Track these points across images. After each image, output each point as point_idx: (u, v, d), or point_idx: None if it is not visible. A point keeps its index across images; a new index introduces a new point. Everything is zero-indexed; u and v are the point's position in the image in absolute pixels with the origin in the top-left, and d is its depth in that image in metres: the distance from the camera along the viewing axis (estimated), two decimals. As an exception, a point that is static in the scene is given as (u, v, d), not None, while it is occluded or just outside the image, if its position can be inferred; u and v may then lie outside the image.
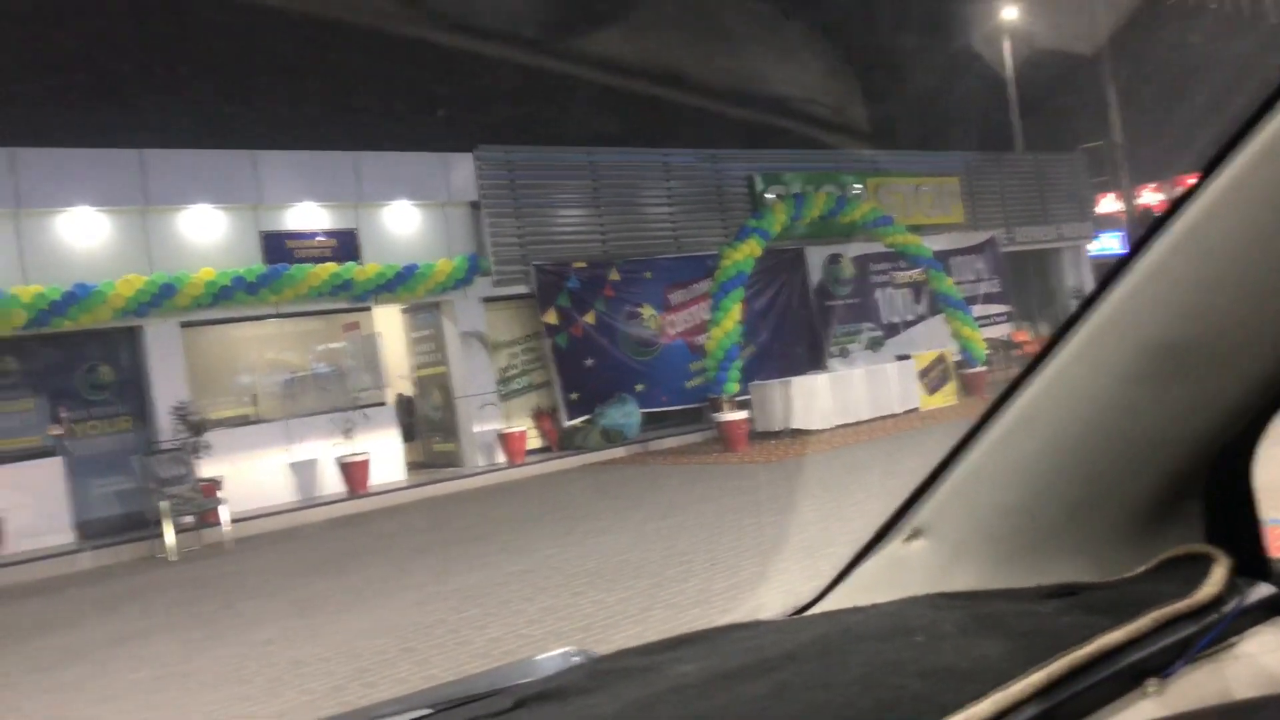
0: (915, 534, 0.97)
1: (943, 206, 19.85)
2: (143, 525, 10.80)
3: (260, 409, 13.18)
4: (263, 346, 13.51)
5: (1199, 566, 0.80)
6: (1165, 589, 0.78)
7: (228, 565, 9.46)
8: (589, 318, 15.05)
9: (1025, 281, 21.96)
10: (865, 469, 9.69)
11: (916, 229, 17.36)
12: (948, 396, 15.57)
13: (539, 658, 1.10)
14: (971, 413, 0.94)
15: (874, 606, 0.90)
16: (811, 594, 1.05)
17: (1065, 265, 22.94)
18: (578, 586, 6.33)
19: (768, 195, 16.90)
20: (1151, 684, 0.71)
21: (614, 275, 15.41)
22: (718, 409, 13.69)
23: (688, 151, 16.80)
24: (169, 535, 10.13)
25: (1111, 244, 24.46)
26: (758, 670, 0.76)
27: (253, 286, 12.28)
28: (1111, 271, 0.79)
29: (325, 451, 12.67)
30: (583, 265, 15.12)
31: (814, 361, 16.60)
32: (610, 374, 15.02)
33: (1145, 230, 0.76)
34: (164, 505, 10.24)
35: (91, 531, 11.25)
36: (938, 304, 17.25)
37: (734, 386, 13.69)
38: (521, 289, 14.74)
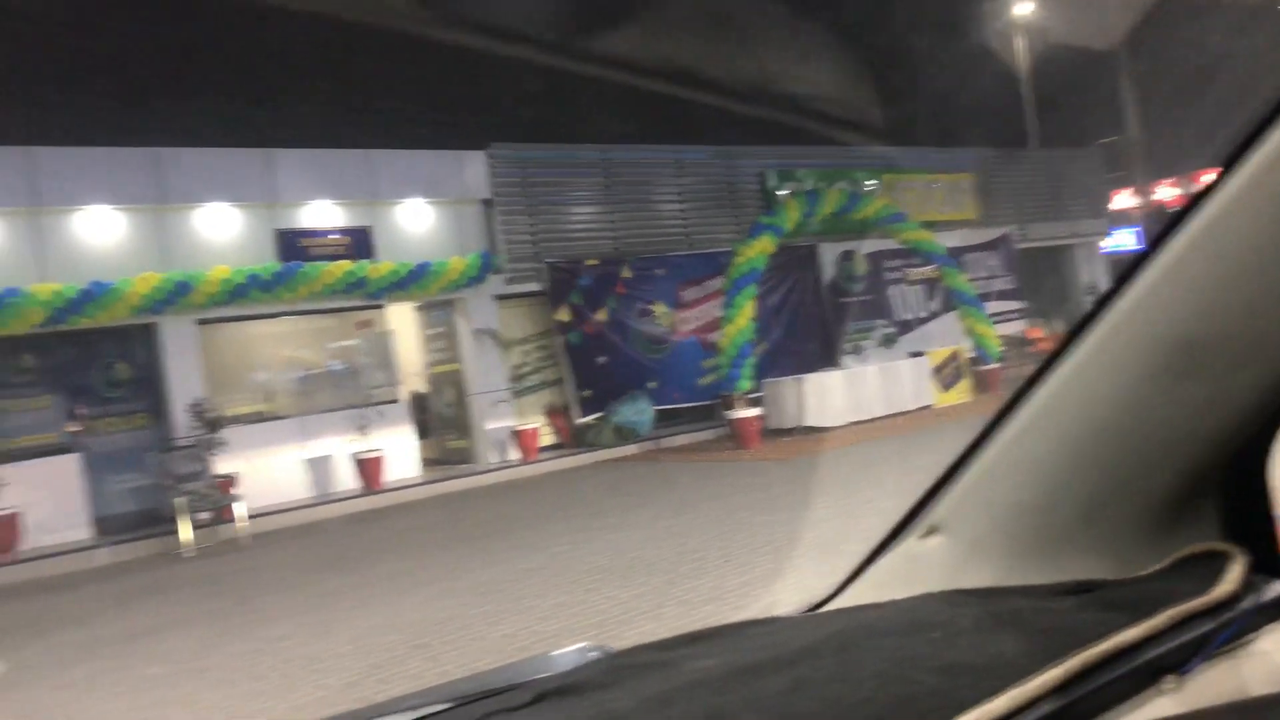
0: (931, 531, 0.97)
1: (956, 203, 19.74)
2: (159, 521, 10.86)
3: (275, 406, 13.24)
4: (278, 344, 13.57)
5: (1215, 564, 0.80)
6: (1182, 586, 0.78)
7: (243, 561, 9.52)
8: (601, 315, 15.06)
9: (1039, 278, 21.80)
10: (879, 466, 9.65)
11: (930, 225, 17.28)
12: (962, 393, 15.52)
13: (556, 653, 1.10)
14: (986, 410, 0.93)
15: (891, 603, 0.90)
16: (827, 591, 1.05)
17: (1080, 262, 22.78)
18: (590, 583, 6.34)
19: (781, 192, 16.86)
20: (1168, 681, 0.71)
21: (626, 272, 15.41)
22: (730, 406, 13.66)
23: (700, 148, 16.75)
24: (185, 531, 10.19)
25: (1126, 240, 24.28)
26: (775, 665, 0.76)
27: (268, 284, 12.35)
28: (1128, 268, 0.79)
29: (340, 448, 12.73)
30: (595, 263, 15.12)
31: (827, 358, 16.56)
32: (623, 371, 15.02)
33: (1163, 227, 0.76)
34: (180, 501, 10.32)
35: (108, 527, 11.34)
36: (951, 300, 17.17)
37: (747, 383, 13.65)
38: (534, 286, 14.77)
